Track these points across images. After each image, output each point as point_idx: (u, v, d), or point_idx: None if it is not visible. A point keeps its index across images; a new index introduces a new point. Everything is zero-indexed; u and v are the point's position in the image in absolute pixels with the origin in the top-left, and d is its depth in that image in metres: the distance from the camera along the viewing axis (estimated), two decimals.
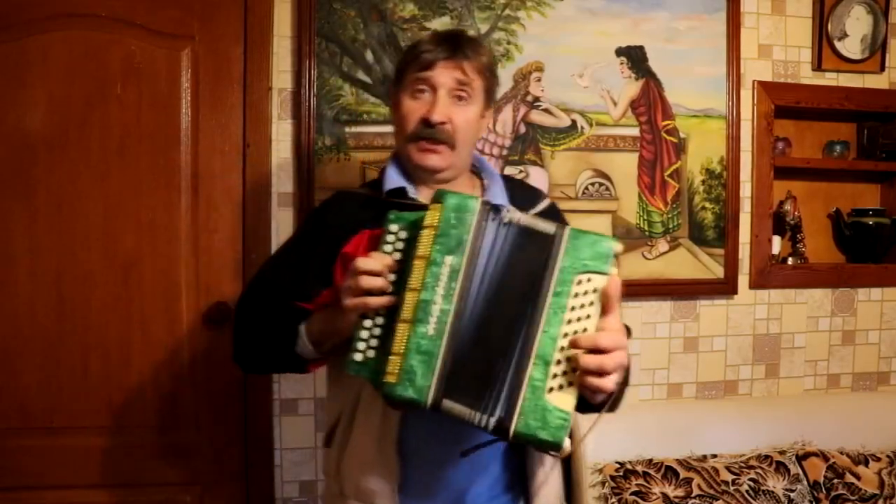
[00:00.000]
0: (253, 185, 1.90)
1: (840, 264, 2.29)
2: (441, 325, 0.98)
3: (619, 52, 2.06)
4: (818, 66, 2.20)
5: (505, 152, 2.00)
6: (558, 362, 0.95)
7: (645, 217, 2.09)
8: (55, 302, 1.82)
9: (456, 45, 1.21)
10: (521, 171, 2.01)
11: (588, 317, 0.97)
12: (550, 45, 2.02)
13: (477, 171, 1.34)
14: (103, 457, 1.86)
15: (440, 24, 1.96)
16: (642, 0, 2.07)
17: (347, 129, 1.93)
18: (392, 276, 1.02)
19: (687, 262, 2.12)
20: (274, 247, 1.93)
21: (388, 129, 1.95)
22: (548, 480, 1.22)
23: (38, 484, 1.83)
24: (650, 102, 2.08)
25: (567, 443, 0.95)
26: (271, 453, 1.93)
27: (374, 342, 1.02)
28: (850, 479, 1.92)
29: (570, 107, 2.04)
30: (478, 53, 1.23)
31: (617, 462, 1.87)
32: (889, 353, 2.31)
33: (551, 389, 0.95)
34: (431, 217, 1.01)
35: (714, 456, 1.94)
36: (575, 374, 0.95)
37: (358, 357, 1.03)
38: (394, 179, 1.24)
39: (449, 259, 0.99)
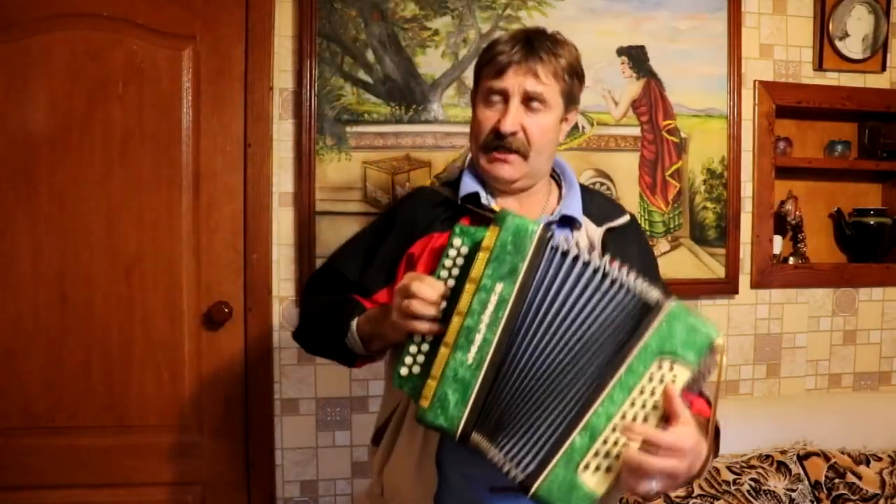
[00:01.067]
0: (254, 185, 1.90)
1: (841, 264, 2.29)
2: (482, 354, 0.94)
3: (621, 51, 2.06)
4: (819, 66, 2.20)
5: None
6: (604, 441, 0.88)
7: (646, 217, 2.09)
8: (57, 301, 1.82)
9: (530, 47, 1.15)
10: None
11: (655, 407, 0.88)
12: None
13: (557, 177, 1.29)
14: (105, 456, 1.86)
15: (441, 23, 1.96)
16: (643, 0, 2.07)
17: (348, 129, 1.93)
18: (444, 303, 0.98)
19: (688, 262, 2.12)
20: (275, 247, 1.93)
21: (389, 128, 1.95)
22: None
23: (40, 483, 1.83)
24: (651, 102, 2.08)
25: None
26: (272, 453, 1.93)
27: (420, 358, 1.00)
28: (851, 478, 1.91)
29: None
30: (555, 55, 1.16)
31: None
32: (890, 352, 2.31)
33: (587, 466, 0.89)
34: (489, 238, 0.97)
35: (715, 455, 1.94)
36: (616, 460, 0.88)
37: (403, 371, 1.01)
38: (469, 185, 1.20)
39: (499, 287, 0.94)
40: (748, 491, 1.84)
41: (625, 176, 2.07)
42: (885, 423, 2.08)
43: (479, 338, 0.94)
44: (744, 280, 2.18)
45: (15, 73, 1.80)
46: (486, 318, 0.94)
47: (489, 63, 1.17)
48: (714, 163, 2.13)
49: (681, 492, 1.81)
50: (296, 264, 1.94)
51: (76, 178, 1.82)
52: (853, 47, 2.22)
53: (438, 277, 1.00)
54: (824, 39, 2.19)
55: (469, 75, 1.95)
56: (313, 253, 1.92)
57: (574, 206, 1.21)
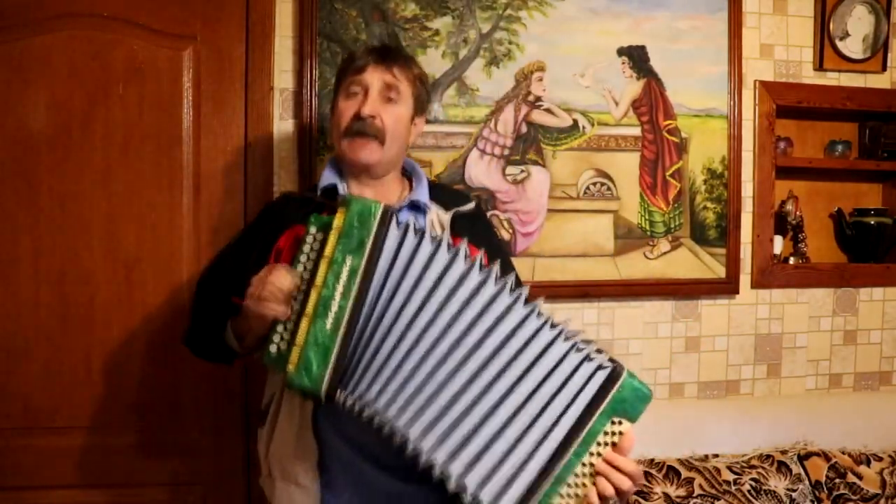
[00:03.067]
0: (254, 185, 1.90)
1: (842, 264, 2.29)
2: (338, 319, 1.05)
3: (621, 51, 2.06)
4: (820, 66, 2.20)
5: (506, 152, 2.00)
6: (569, 486, 1.01)
7: (646, 217, 2.09)
8: (58, 301, 1.82)
9: (386, 52, 1.35)
10: (522, 171, 2.01)
11: (600, 455, 1.02)
12: (552, 44, 2.02)
13: (407, 174, 1.43)
14: (105, 456, 1.86)
15: (442, 23, 1.96)
16: (643, 0, 2.07)
17: None
18: (303, 286, 1.10)
19: (688, 262, 2.12)
20: None
21: None
22: None
23: (40, 483, 1.83)
24: (652, 102, 2.08)
25: None
26: None
27: (287, 335, 1.09)
28: (851, 478, 1.91)
29: (571, 106, 2.04)
30: (408, 64, 1.37)
31: None
32: (891, 352, 2.31)
33: None
34: (338, 219, 1.09)
35: (716, 456, 1.94)
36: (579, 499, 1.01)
37: (272, 349, 1.10)
38: (326, 177, 1.35)
39: (349, 259, 1.06)
40: (749, 491, 1.84)
41: (625, 176, 2.07)
42: (885, 423, 2.08)
43: (334, 305, 1.06)
44: (744, 280, 2.18)
45: (15, 73, 1.80)
46: (339, 287, 1.06)
47: (350, 65, 1.34)
48: (714, 163, 2.13)
49: (681, 492, 1.81)
50: None
51: (76, 178, 1.82)
52: (854, 47, 2.22)
53: (298, 263, 1.12)
54: (825, 39, 2.19)
55: (469, 75, 1.97)
56: None
57: (421, 194, 1.36)
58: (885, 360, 2.31)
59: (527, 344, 1.03)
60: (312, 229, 1.13)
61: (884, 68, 2.25)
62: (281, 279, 1.09)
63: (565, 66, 2.03)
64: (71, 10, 1.81)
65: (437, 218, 1.34)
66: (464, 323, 1.04)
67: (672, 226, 2.11)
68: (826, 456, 1.95)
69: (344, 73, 1.36)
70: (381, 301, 1.07)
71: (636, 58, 2.07)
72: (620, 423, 1.01)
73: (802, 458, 1.94)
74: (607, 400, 1.01)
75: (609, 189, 2.07)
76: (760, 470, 1.89)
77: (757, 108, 2.16)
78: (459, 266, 1.07)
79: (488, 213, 1.95)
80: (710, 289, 2.14)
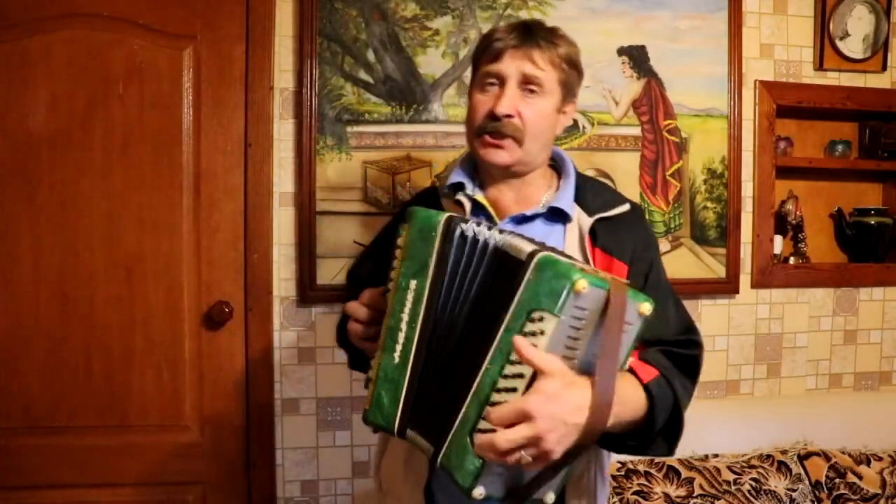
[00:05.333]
0: (254, 185, 1.90)
1: (842, 264, 2.28)
2: (405, 352, 0.96)
3: (621, 51, 2.06)
4: (820, 66, 2.20)
5: None
6: (493, 404, 0.85)
7: (647, 217, 2.09)
8: (58, 301, 1.82)
9: (527, 33, 1.14)
10: None
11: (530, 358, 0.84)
12: None
13: (557, 167, 1.26)
14: (105, 456, 1.86)
15: (442, 23, 1.96)
16: (644, 0, 2.07)
17: (349, 129, 1.93)
18: (377, 317, 1.03)
19: (689, 262, 2.12)
20: (276, 246, 1.93)
21: (390, 128, 1.95)
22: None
23: (40, 483, 1.83)
24: (652, 102, 2.08)
25: (550, 497, 0.88)
26: (273, 453, 1.93)
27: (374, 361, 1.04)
28: (851, 478, 1.91)
29: None
30: (553, 43, 1.14)
31: (619, 461, 1.87)
32: (891, 352, 2.31)
33: (479, 430, 0.85)
34: (402, 238, 0.97)
35: (716, 455, 1.94)
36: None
37: (370, 373, 1.04)
38: (454, 174, 1.20)
39: (413, 283, 0.95)
40: (749, 491, 1.84)
41: (625, 176, 2.07)
42: (885, 423, 2.08)
43: (401, 336, 0.96)
44: (744, 280, 2.18)
45: (15, 73, 1.80)
46: (405, 316, 0.96)
47: (485, 50, 1.15)
48: (715, 162, 2.13)
49: (681, 491, 1.81)
50: (296, 264, 1.94)
51: (77, 178, 1.82)
52: (854, 47, 2.22)
53: (389, 279, 1.01)
54: (825, 39, 2.19)
55: (469, 75, 1.96)
56: (314, 253, 1.92)
57: (565, 198, 1.17)
58: (885, 360, 2.31)
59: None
60: (400, 241, 1.00)
61: (884, 68, 2.25)
62: (357, 311, 1.03)
63: None
64: (71, 10, 1.81)
65: (579, 225, 1.16)
66: (486, 317, 0.92)
67: (672, 226, 2.11)
68: (826, 456, 1.95)
69: (479, 57, 1.17)
70: (446, 327, 0.95)
71: (636, 57, 2.07)
72: (541, 318, 0.82)
73: (802, 458, 1.94)
74: (518, 290, 0.84)
75: None
76: (760, 470, 1.89)
77: (757, 107, 2.16)
78: (500, 261, 0.92)
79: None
80: (710, 289, 2.14)
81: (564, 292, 0.81)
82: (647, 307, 0.85)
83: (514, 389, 0.84)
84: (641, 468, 1.85)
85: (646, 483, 1.82)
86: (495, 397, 0.85)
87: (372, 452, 1.95)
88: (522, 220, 1.16)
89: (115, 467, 1.86)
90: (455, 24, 1.97)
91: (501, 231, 0.95)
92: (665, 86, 2.08)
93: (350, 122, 1.93)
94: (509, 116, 1.11)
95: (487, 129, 1.13)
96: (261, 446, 1.92)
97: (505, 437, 0.81)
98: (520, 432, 0.81)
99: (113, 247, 1.84)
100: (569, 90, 1.18)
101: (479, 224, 0.96)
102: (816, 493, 1.89)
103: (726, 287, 2.15)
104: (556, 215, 1.16)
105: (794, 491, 1.87)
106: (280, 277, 1.94)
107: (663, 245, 2.10)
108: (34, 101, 1.80)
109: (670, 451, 1.06)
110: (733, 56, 2.11)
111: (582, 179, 1.23)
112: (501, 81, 1.13)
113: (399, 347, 0.96)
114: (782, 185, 2.23)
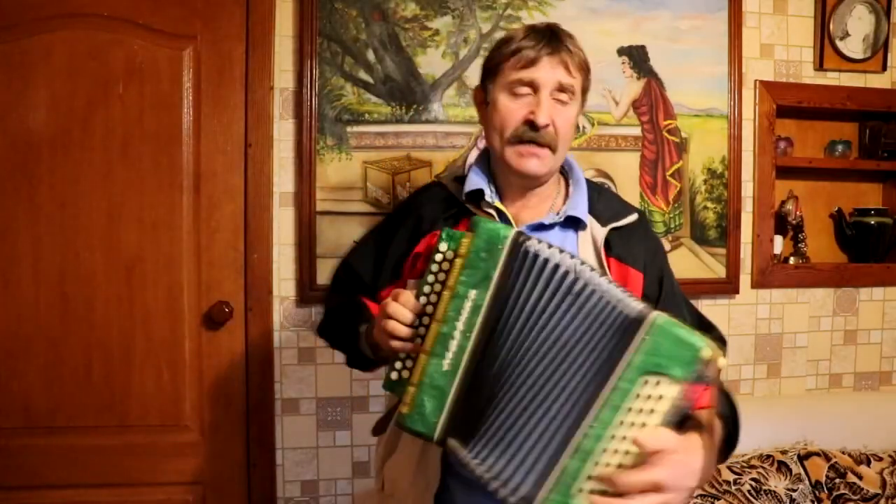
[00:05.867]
0: (255, 185, 1.90)
1: (842, 264, 2.28)
2: (457, 361, 0.95)
3: (621, 51, 2.06)
4: (820, 66, 2.20)
5: None
6: (596, 464, 0.86)
7: (647, 217, 2.09)
8: (58, 301, 1.82)
9: (558, 39, 1.14)
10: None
11: (644, 424, 0.85)
12: None
13: (565, 174, 1.26)
14: (105, 456, 1.86)
15: (442, 23, 1.96)
16: (644, 0, 2.07)
17: (349, 129, 1.93)
18: (425, 316, 1.00)
19: (689, 262, 2.12)
20: (276, 246, 1.93)
21: (390, 128, 1.95)
22: None
23: (40, 483, 1.83)
24: (652, 102, 2.08)
25: None
26: (273, 453, 1.93)
27: (409, 363, 1.01)
28: (852, 478, 1.91)
29: None
30: (577, 48, 1.16)
31: None
32: (891, 352, 2.31)
33: (581, 490, 0.87)
34: (464, 245, 0.97)
35: None
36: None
37: (394, 375, 1.02)
38: (474, 181, 1.18)
39: (473, 293, 0.95)
40: (749, 491, 1.84)
41: (625, 176, 2.07)
42: (885, 423, 2.08)
43: (454, 344, 0.95)
44: (744, 280, 2.18)
45: (15, 73, 1.79)
46: (460, 324, 0.95)
47: (514, 55, 1.13)
48: (715, 162, 2.13)
49: None
50: (296, 264, 1.94)
51: (76, 178, 1.82)
52: (854, 47, 2.22)
53: (426, 283, 1.00)
54: (825, 39, 2.19)
55: (470, 75, 1.97)
56: (314, 253, 1.92)
57: (580, 207, 1.18)
58: (885, 360, 2.31)
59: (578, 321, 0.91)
60: (443, 247, 1.00)
61: (884, 68, 2.25)
62: (402, 312, 0.98)
63: None
64: (71, 9, 1.81)
65: (592, 235, 1.16)
66: (571, 360, 0.91)
67: (672, 226, 2.11)
68: (826, 456, 1.95)
69: (503, 61, 1.15)
70: (502, 343, 0.94)
71: (636, 57, 2.07)
72: (659, 383, 0.83)
73: (802, 457, 1.94)
74: (630, 351, 0.84)
75: (609, 189, 2.07)
76: (760, 470, 1.89)
77: (757, 107, 2.16)
78: (590, 303, 0.91)
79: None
80: (710, 289, 2.14)
81: (693, 361, 0.83)
82: (722, 362, 0.87)
83: (626, 453, 0.85)
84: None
85: None
86: (605, 458, 0.86)
87: (372, 452, 1.95)
88: (539, 227, 1.16)
89: (115, 467, 1.86)
90: (455, 24, 1.97)
91: (573, 256, 0.95)
92: (665, 86, 2.08)
93: (350, 122, 1.93)
94: (546, 126, 1.11)
95: (525, 137, 1.12)
96: (261, 446, 1.92)
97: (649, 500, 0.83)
98: (652, 500, 0.84)
99: (113, 247, 1.84)
100: (586, 95, 1.20)
101: (549, 247, 0.96)
102: (816, 493, 1.89)
103: (726, 287, 2.15)
104: (571, 223, 1.17)
105: (794, 491, 1.87)
106: (280, 277, 1.94)
107: (664, 245, 2.10)
108: (34, 101, 1.80)
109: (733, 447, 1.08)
110: (733, 56, 2.11)
111: (590, 187, 1.23)
112: (535, 89, 1.12)
113: (450, 355, 0.95)
114: (782, 185, 2.23)
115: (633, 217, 1.21)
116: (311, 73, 1.90)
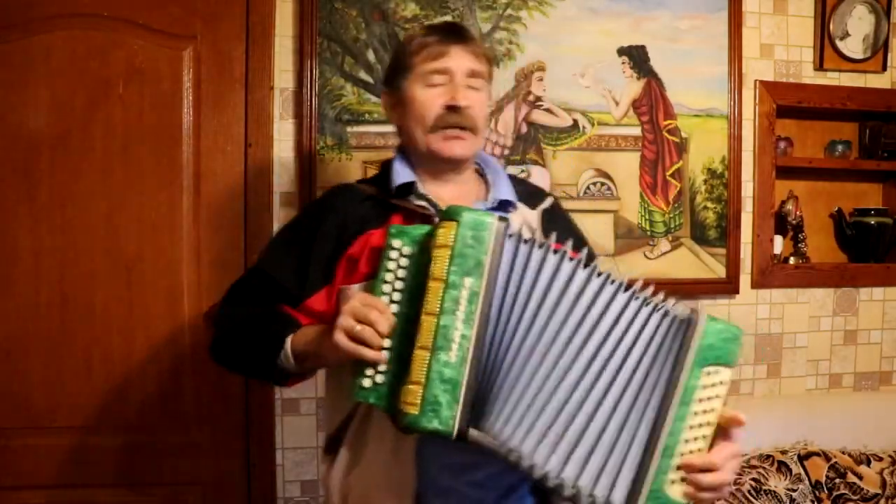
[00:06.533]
0: (255, 185, 1.90)
1: (842, 264, 2.28)
2: (463, 351, 0.95)
3: (621, 51, 2.06)
4: (820, 66, 2.20)
5: (506, 152, 2.00)
6: (681, 455, 0.94)
7: (647, 217, 2.09)
8: (58, 301, 1.82)
9: (461, 33, 1.21)
10: (522, 171, 2.01)
11: (713, 410, 0.95)
12: (552, 44, 2.02)
13: (480, 166, 1.28)
14: (105, 456, 1.85)
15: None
16: (644, 0, 2.07)
17: (349, 129, 1.93)
18: (389, 338, 0.97)
19: (689, 262, 2.12)
20: None
21: (390, 128, 1.93)
22: None
23: (40, 483, 1.83)
24: (652, 102, 2.08)
25: None
26: (273, 453, 1.93)
27: (382, 367, 0.98)
28: (852, 478, 1.91)
29: (571, 106, 2.04)
30: (479, 43, 1.25)
31: None
32: (891, 352, 2.31)
33: (673, 482, 0.94)
34: (445, 236, 0.96)
35: None
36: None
37: (366, 383, 0.98)
38: (401, 173, 1.19)
39: (468, 281, 0.95)
40: (749, 491, 1.84)
41: (625, 176, 2.07)
42: (885, 423, 2.08)
43: (457, 335, 0.95)
44: (744, 280, 2.18)
45: (15, 73, 1.79)
46: (460, 314, 0.95)
47: (423, 49, 1.18)
48: (715, 163, 2.13)
49: None
50: None
51: (77, 178, 1.82)
52: (854, 47, 2.22)
53: (383, 282, 1.00)
54: (825, 39, 2.19)
55: None
56: None
57: (506, 191, 1.22)
58: (885, 360, 2.31)
59: (616, 322, 0.96)
60: (397, 243, 1.00)
61: (884, 68, 2.25)
62: (381, 321, 0.96)
63: (565, 66, 2.02)
64: (71, 10, 1.81)
65: (523, 217, 1.21)
66: (572, 326, 0.96)
67: (672, 226, 2.11)
68: (826, 456, 1.95)
69: (412, 58, 1.18)
70: (500, 324, 0.97)
71: (636, 58, 2.07)
72: (717, 371, 0.94)
73: (802, 457, 1.95)
74: (692, 350, 0.93)
75: (609, 189, 2.07)
76: (760, 470, 1.89)
77: (757, 108, 2.16)
78: (566, 269, 0.98)
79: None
80: (710, 289, 2.14)
81: (740, 346, 0.96)
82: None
83: (704, 437, 0.96)
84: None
85: None
86: (688, 447, 0.95)
87: None
88: None
89: (115, 467, 1.86)
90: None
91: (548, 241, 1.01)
92: (665, 86, 2.08)
93: (350, 122, 1.93)
94: (467, 107, 1.15)
95: (449, 122, 1.15)
96: (261, 446, 1.92)
97: (726, 475, 0.96)
98: (734, 465, 0.99)
99: (113, 247, 1.84)
100: (491, 84, 1.25)
101: (522, 227, 1.02)
102: (816, 493, 1.89)
103: (726, 287, 2.15)
104: (502, 207, 1.20)
105: (794, 491, 1.87)
106: None
107: (663, 245, 2.10)
108: (34, 101, 1.80)
109: None
110: (733, 56, 2.11)
111: (508, 175, 1.28)
112: (449, 76, 1.16)
113: (455, 346, 0.95)
114: (782, 185, 2.23)
115: (551, 200, 1.27)
116: (311, 73, 1.90)
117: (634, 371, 0.95)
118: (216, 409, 1.91)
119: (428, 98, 1.16)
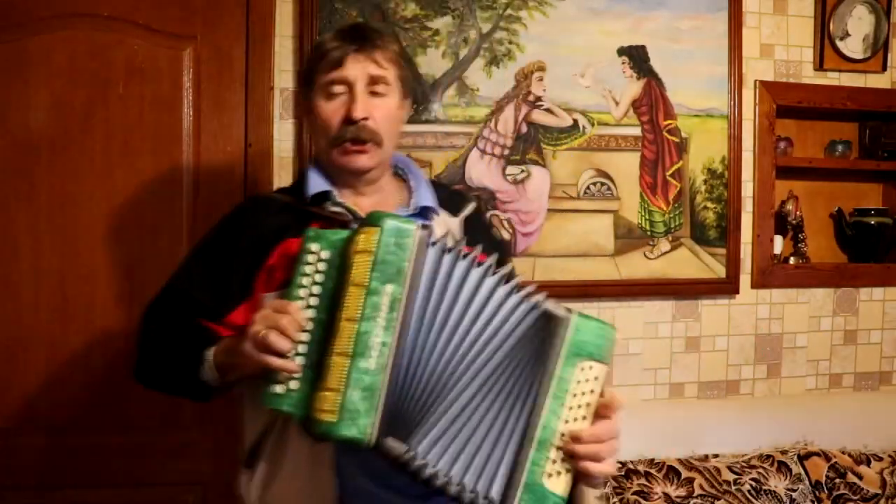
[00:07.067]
0: (255, 185, 1.90)
1: (842, 264, 2.29)
2: (382, 358, 0.93)
3: (621, 51, 2.06)
4: (820, 66, 2.20)
5: (507, 152, 2.00)
6: (557, 448, 0.95)
7: (647, 217, 2.09)
8: (58, 301, 1.82)
9: (363, 36, 1.16)
10: (522, 171, 2.01)
11: (588, 405, 0.97)
12: (552, 44, 2.02)
13: (401, 172, 1.27)
14: (105, 456, 1.85)
15: (442, 23, 1.96)
16: (644, 0, 2.07)
17: None
18: (305, 336, 0.95)
19: (689, 262, 2.12)
20: None
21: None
22: None
23: (40, 483, 1.83)
24: (652, 102, 2.08)
25: None
26: None
27: (298, 376, 0.94)
28: (852, 478, 1.91)
29: (571, 106, 2.04)
30: (387, 42, 1.18)
31: (619, 462, 1.87)
32: (891, 352, 2.31)
33: (550, 475, 0.95)
34: (366, 241, 0.95)
35: (716, 456, 1.94)
36: (571, 460, 0.95)
37: (279, 389, 0.94)
38: (317, 183, 1.17)
39: (389, 288, 0.94)
40: (749, 491, 1.84)
41: (625, 176, 2.07)
42: (885, 424, 2.08)
43: (377, 342, 0.93)
44: (744, 280, 2.18)
45: (15, 73, 1.79)
46: (380, 320, 0.93)
47: (322, 59, 1.15)
48: (715, 163, 2.13)
49: (682, 492, 1.81)
50: None
51: (77, 178, 1.82)
52: (854, 47, 2.22)
53: (299, 286, 0.97)
54: (825, 39, 2.19)
55: (470, 75, 1.97)
56: None
57: (427, 198, 1.20)
58: (885, 360, 2.31)
59: (506, 320, 0.98)
60: (314, 247, 0.98)
61: (884, 68, 2.25)
62: (291, 326, 0.93)
63: (565, 66, 2.03)
64: (71, 10, 1.81)
65: (446, 224, 1.20)
66: (485, 340, 0.97)
67: (672, 226, 2.11)
68: (826, 456, 1.95)
69: (315, 67, 1.16)
70: (420, 334, 0.96)
71: (636, 58, 2.07)
72: (591, 366, 0.95)
73: (802, 458, 1.95)
74: (563, 344, 0.94)
75: (609, 189, 2.07)
76: (760, 470, 1.89)
77: (757, 108, 2.16)
78: (488, 284, 0.98)
79: (489, 213, 1.95)
80: (710, 289, 2.14)
81: (613, 343, 0.98)
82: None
83: (578, 420, 0.97)
84: (641, 468, 1.85)
85: (646, 483, 1.82)
86: (557, 442, 0.95)
87: None
88: None
89: (115, 467, 1.86)
90: (455, 24, 1.97)
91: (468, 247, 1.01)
92: (665, 86, 2.08)
93: None
94: (365, 119, 1.13)
95: (347, 135, 1.13)
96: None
97: (610, 447, 0.97)
98: (612, 445, 0.98)
99: (113, 247, 1.84)
100: (406, 85, 1.21)
101: (445, 236, 1.03)
102: (816, 493, 1.89)
103: (726, 287, 2.15)
104: (421, 215, 1.18)
105: (794, 491, 1.87)
106: None
107: (663, 245, 2.10)
108: (34, 101, 1.80)
109: None
110: (733, 56, 2.11)
111: (430, 181, 1.27)
112: (348, 86, 1.14)
113: (375, 353, 0.93)
114: (782, 185, 2.23)
115: (474, 205, 1.27)
116: None
117: (514, 368, 0.96)
118: (216, 408, 1.90)
119: (328, 111, 1.15)
